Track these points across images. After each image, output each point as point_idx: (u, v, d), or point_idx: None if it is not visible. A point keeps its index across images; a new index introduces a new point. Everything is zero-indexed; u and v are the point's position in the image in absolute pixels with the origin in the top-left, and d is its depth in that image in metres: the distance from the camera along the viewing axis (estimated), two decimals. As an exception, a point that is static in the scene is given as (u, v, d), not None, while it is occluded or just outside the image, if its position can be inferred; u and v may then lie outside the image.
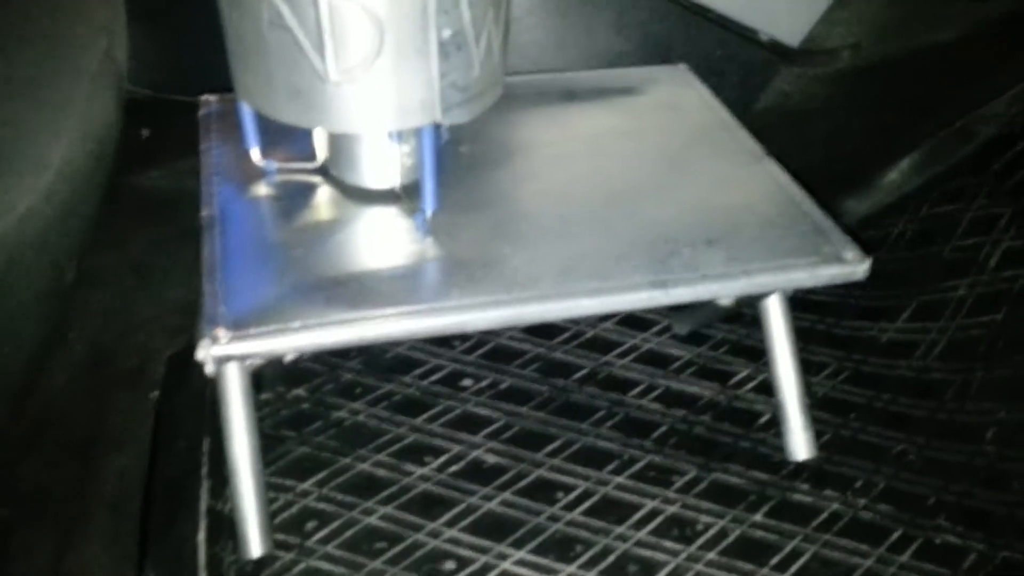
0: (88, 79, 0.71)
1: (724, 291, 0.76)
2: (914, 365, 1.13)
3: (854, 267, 0.78)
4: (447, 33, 0.70)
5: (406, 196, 0.81)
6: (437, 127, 0.75)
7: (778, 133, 0.95)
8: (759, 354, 1.14)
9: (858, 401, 1.09)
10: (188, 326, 1.13)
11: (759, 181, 0.87)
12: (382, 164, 0.82)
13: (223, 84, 1.07)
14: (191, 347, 1.12)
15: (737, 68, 1.14)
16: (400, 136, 0.79)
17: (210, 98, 0.94)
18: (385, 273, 0.75)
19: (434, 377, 1.08)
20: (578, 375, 1.10)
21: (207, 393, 1.03)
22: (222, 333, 0.69)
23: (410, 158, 0.82)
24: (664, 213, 0.82)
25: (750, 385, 1.10)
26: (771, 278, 0.77)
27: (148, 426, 1.03)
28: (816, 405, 1.06)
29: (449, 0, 0.69)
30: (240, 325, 0.69)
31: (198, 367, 1.08)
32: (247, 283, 0.73)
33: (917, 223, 1.25)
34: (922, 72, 1.20)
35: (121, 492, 0.96)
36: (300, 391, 1.06)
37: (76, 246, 0.71)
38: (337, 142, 0.82)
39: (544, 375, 1.10)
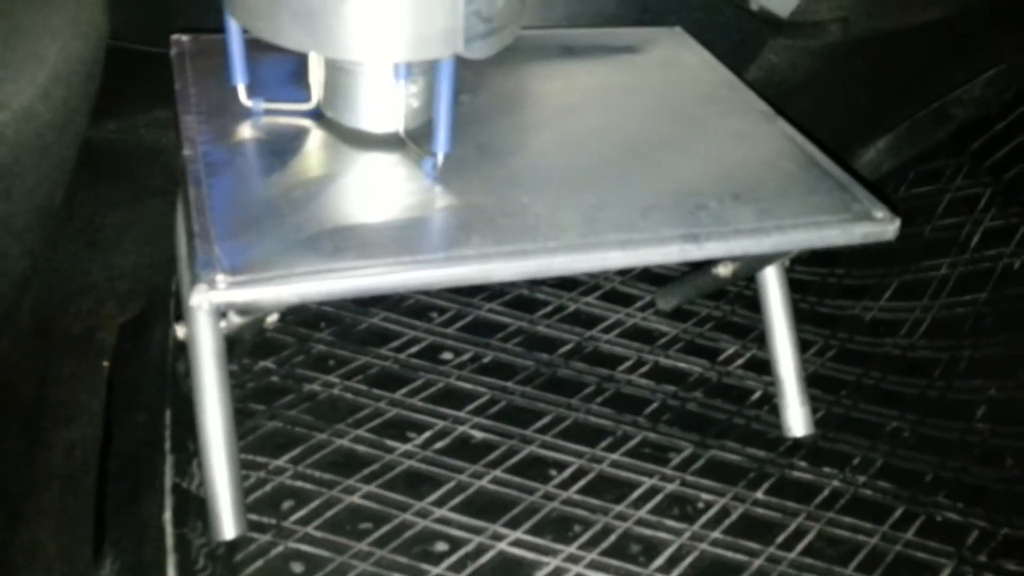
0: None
1: (756, 247, 0.72)
2: (900, 343, 1.11)
3: (885, 225, 0.75)
4: (476, -45, 0.64)
5: (411, 141, 0.74)
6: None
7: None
8: (745, 331, 1.10)
9: (847, 379, 1.06)
10: (140, 292, 1.04)
11: (775, 139, 0.83)
12: (386, 106, 0.75)
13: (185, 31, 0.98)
14: (144, 315, 1.04)
15: (725, 37, 1.10)
16: (408, 74, 0.73)
17: (182, 37, 0.85)
18: (396, 220, 0.68)
19: (412, 350, 1.01)
20: (563, 350, 1.04)
21: (168, 363, 0.95)
22: (220, 278, 0.61)
23: (416, 99, 0.75)
24: (683, 166, 0.77)
25: (739, 362, 1.06)
26: (804, 234, 0.72)
27: (99, 397, 0.93)
28: (807, 382, 1.02)
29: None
30: (240, 270, 0.62)
31: (155, 335, 0.99)
32: (242, 226, 0.65)
33: (896, 203, 1.23)
34: (906, 51, 1.19)
35: (73, 467, 0.87)
36: (268, 363, 0.98)
37: (69, 161, 0.62)
38: (335, 81, 0.75)
39: (528, 349, 1.04)
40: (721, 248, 0.71)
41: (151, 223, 1.04)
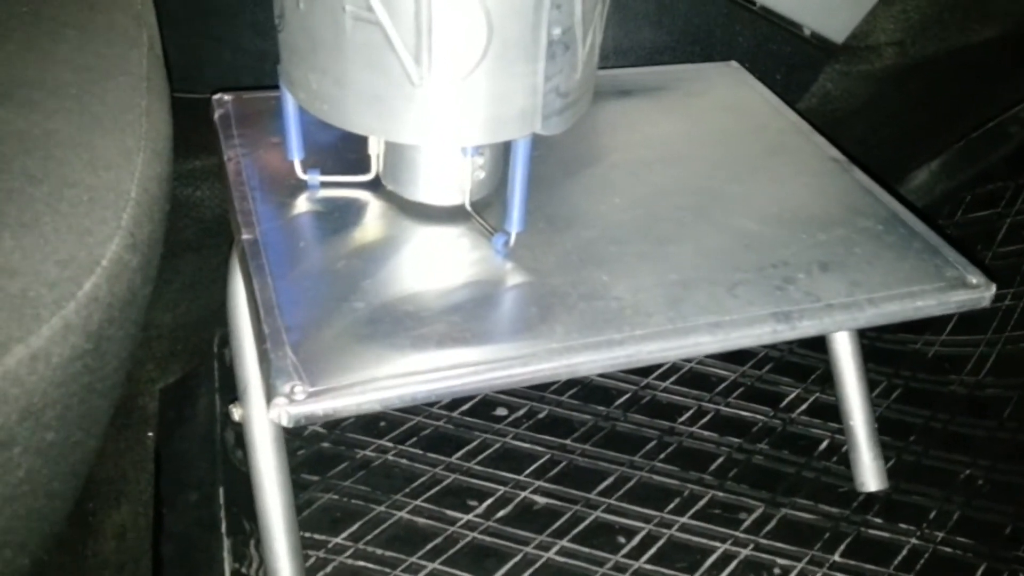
0: (144, 85, 0.58)
1: (851, 323, 0.68)
2: (966, 381, 1.07)
3: (981, 292, 0.71)
4: (557, 31, 0.60)
5: (477, 214, 0.70)
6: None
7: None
8: (806, 372, 1.07)
9: (915, 422, 1.03)
10: (179, 352, 1.00)
11: (853, 193, 0.79)
12: (451, 179, 0.70)
13: (212, 77, 0.94)
14: (186, 379, 1.00)
15: (779, 65, 1.06)
16: (476, 151, 0.68)
17: (225, 96, 0.81)
18: (473, 307, 0.64)
19: (464, 407, 0.98)
20: (620, 400, 1.01)
21: (216, 432, 0.91)
22: (299, 389, 0.57)
23: (482, 171, 0.71)
24: (763, 231, 0.73)
25: (802, 408, 1.02)
26: (899, 306, 0.68)
27: (147, 472, 0.90)
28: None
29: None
30: (318, 378, 0.57)
31: (199, 402, 0.95)
32: (314, 324, 0.61)
33: (952, 228, 1.19)
34: (961, 70, 1.14)
35: (125, 553, 0.83)
36: (318, 427, 0.94)
37: (148, 298, 0.57)
38: (396, 153, 0.71)
39: (584, 401, 1.00)
40: (814, 327, 0.67)
41: (186, 279, 1.00)
